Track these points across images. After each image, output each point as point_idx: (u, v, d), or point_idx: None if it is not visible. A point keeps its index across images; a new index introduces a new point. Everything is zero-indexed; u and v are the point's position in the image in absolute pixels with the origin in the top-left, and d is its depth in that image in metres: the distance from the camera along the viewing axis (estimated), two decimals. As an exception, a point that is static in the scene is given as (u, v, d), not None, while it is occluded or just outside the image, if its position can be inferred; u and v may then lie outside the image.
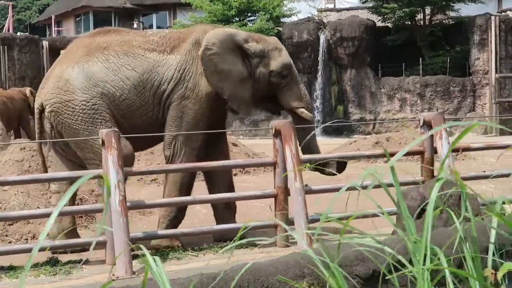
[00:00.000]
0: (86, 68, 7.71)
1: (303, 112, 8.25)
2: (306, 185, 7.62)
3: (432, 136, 7.73)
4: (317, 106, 29.60)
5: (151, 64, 7.83)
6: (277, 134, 7.26)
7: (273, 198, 7.39)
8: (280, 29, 30.80)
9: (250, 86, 8.12)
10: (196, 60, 7.96)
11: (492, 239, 2.74)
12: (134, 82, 7.74)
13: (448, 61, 29.06)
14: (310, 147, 8.18)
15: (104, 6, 39.17)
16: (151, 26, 39.27)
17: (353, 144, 16.00)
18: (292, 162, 7.05)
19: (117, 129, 6.89)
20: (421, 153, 7.84)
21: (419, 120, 7.83)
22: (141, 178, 12.75)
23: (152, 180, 12.78)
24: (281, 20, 32.21)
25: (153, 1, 39.05)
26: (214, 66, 7.86)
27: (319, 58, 29.97)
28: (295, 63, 31.25)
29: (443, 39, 30.02)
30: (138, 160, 14.86)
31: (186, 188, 7.90)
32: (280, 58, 8.25)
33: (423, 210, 6.57)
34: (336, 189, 7.63)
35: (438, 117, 7.63)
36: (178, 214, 7.91)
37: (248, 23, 31.28)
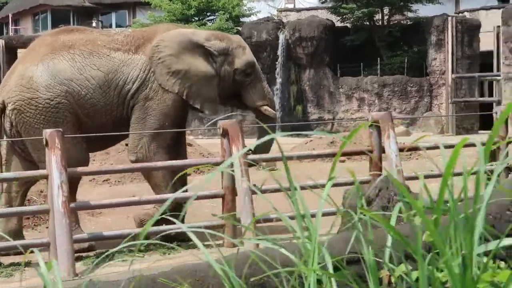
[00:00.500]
0: (51, 66, 7.62)
1: (267, 109, 8.32)
2: (254, 185, 7.60)
3: (380, 135, 7.77)
4: (276, 106, 29.53)
5: (116, 64, 7.79)
6: (225, 134, 7.23)
7: (221, 198, 7.36)
8: (240, 28, 30.78)
9: (216, 85, 8.13)
10: None
11: (389, 243, 2.74)
12: (99, 81, 7.69)
13: (406, 61, 29.33)
14: (266, 146, 8.21)
15: (62, 5, 38.70)
16: (110, 25, 38.94)
17: (309, 144, 16.05)
18: (239, 162, 7.01)
19: (61, 129, 6.78)
20: (370, 152, 7.87)
21: (368, 119, 7.86)
22: (94, 179, 12.61)
23: (104, 180, 12.66)
24: (241, 19, 32.19)
25: (112, 0, 38.70)
26: (167, 68, 7.85)
27: (278, 58, 30.02)
28: (254, 62, 30.80)
29: (401, 40, 30.28)
30: (93, 160, 14.73)
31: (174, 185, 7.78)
32: (245, 56, 8.30)
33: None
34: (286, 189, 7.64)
35: (386, 116, 7.66)
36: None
37: (208, 22, 31.19)
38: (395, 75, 29.28)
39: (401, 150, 7.71)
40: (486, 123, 27.15)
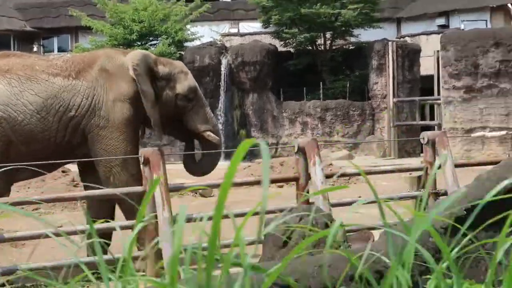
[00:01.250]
0: None
1: (210, 135, 8.24)
2: (177, 214, 7.43)
3: (306, 162, 7.67)
4: (219, 130, 29.48)
5: (55, 89, 7.58)
6: (146, 162, 7.04)
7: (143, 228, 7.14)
8: (183, 53, 30.65)
9: (157, 109, 8.03)
10: (105, 86, 7.84)
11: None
12: (37, 107, 7.47)
13: (348, 85, 29.55)
14: (205, 168, 8.21)
15: (2, 29, 37.99)
16: (52, 50, 38.40)
17: (247, 169, 15.93)
18: (160, 191, 6.83)
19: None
20: (296, 179, 7.76)
21: (294, 146, 7.75)
22: (22, 207, 12.22)
23: (34, 209, 12.29)
24: (184, 44, 32.05)
25: (54, 25, 38.19)
26: (139, 86, 7.79)
27: (221, 83, 29.93)
28: (196, 87, 30.73)
29: (343, 64, 30.53)
30: (29, 187, 14.35)
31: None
32: (186, 81, 8.25)
33: (288, 238, 6.45)
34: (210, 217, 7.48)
35: (311, 143, 7.56)
36: None
37: (150, 47, 30.98)
38: (337, 99, 29.45)
39: (327, 176, 7.62)
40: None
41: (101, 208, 8.10)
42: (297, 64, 30.35)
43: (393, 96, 28.52)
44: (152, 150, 7.02)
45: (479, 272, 4.47)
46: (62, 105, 7.61)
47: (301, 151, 7.65)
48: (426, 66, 29.28)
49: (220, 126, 29.60)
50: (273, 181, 7.78)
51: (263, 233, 5.94)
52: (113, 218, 8.12)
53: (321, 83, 29.70)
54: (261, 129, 30.12)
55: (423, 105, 29.30)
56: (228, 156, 28.56)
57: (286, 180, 7.84)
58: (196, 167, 8.65)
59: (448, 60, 25.15)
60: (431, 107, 29.58)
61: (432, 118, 29.18)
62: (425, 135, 8.23)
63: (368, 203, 6.77)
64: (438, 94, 27.46)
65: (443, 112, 26.05)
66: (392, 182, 14.23)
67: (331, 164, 16.49)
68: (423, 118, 29.27)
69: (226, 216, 2.44)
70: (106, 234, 8.07)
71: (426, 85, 29.08)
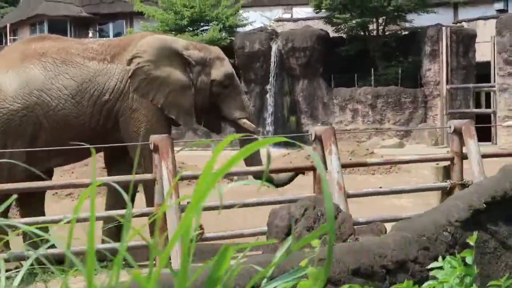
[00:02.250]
0: (21, 74, 7.34)
1: (246, 123, 8.05)
2: (189, 203, 7.30)
3: (323, 151, 7.43)
4: (269, 117, 29.37)
5: (91, 73, 7.53)
6: (156, 149, 6.92)
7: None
8: (233, 39, 30.53)
9: (191, 95, 7.88)
10: None
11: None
12: (72, 91, 7.42)
13: (400, 71, 28.95)
14: (252, 161, 7.98)
15: (59, 15, 38.59)
16: (108, 35, 38.78)
17: (286, 157, 15.71)
18: (168, 179, 6.70)
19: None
20: (313, 168, 7.53)
21: (311, 134, 7.51)
22: (56, 193, 12.33)
23: (67, 194, 12.37)
24: (235, 30, 31.90)
25: (109, 10, 38.56)
26: (146, 74, 7.63)
27: (271, 69, 29.68)
28: (247, 73, 31.19)
29: (396, 50, 29.91)
30: (72, 172, 14.44)
31: None
32: (223, 67, 8.08)
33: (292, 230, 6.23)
34: (218, 207, 7.30)
35: (328, 131, 7.32)
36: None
37: (201, 33, 30.93)
38: (389, 86, 28.90)
39: (344, 166, 7.36)
40: (482, 134, 26.73)
41: (120, 196, 8.02)
42: (348, 50, 29.87)
43: (447, 83, 27.83)
44: (161, 137, 6.89)
45: (499, 269, 4.20)
46: (96, 89, 7.54)
47: (318, 139, 7.41)
48: (483, 52, 28.44)
49: (270, 113, 29.47)
50: (288, 170, 7.55)
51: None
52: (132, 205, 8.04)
53: (372, 69, 29.17)
54: (311, 116, 29.79)
55: (478, 92, 28.52)
56: (277, 143, 28.38)
57: (303, 169, 7.59)
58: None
59: (504, 46, 24.40)
60: (487, 94, 28.77)
61: (488, 106, 28.37)
62: (452, 124, 7.89)
63: (382, 194, 6.47)
64: (495, 81, 26.71)
65: (498, 99, 25.32)
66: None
67: (372, 153, 16.12)
68: (478, 105, 28.49)
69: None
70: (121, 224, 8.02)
71: (483, 72, 28.26)
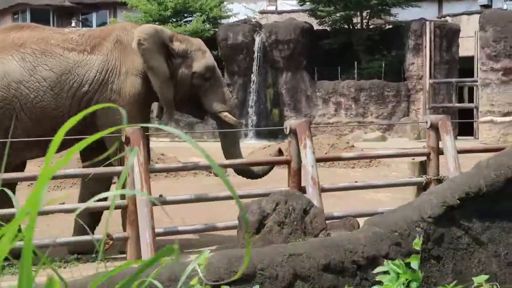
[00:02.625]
0: None
1: (227, 116, 7.95)
2: (161, 195, 7.22)
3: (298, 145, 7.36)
4: (251, 109, 29.31)
5: (70, 65, 7.38)
6: (128, 141, 6.81)
7: (121, 210, 6.96)
8: (217, 30, 30.39)
9: (172, 87, 7.77)
10: (119, 59, 7.64)
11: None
12: (51, 83, 7.28)
13: (384, 65, 28.94)
14: (230, 153, 7.89)
15: (42, 4, 38.25)
16: (91, 25, 38.50)
17: (267, 149, 15.63)
18: (139, 171, 6.60)
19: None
20: (287, 162, 7.45)
21: (285, 128, 7.42)
22: (31, 183, 12.19)
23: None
24: (219, 21, 31.77)
25: (93, 0, 38.27)
26: (146, 62, 7.53)
27: (254, 61, 29.58)
28: (230, 65, 31.07)
29: (380, 43, 29.90)
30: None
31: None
32: (204, 59, 7.97)
33: (262, 224, 6.15)
34: (191, 200, 7.24)
35: (303, 125, 7.23)
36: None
37: (185, 24, 30.76)
38: (372, 80, 28.89)
39: (319, 160, 7.29)
40: (465, 129, 26.77)
41: (96, 187, 7.91)
42: (332, 43, 29.82)
43: (430, 77, 27.86)
44: (133, 129, 6.79)
45: (472, 265, 4.14)
46: (76, 81, 7.42)
47: (293, 133, 7.33)
48: (467, 47, 28.48)
49: (252, 105, 29.39)
50: (264, 164, 7.47)
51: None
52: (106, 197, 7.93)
53: (356, 62, 29.14)
54: (294, 109, 29.73)
55: (461, 87, 28.57)
56: (259, 135, 28.42)
57: (277, 163, 7.51)
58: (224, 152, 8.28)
59: (487, 41, 24.41)
60: (470, 89, 28.82)
61: (471, 101, 28.44)
62: (428, 119, 7.84)
63: (357, 188, 6.42)
64: (478, 75, 26.76)
65: (480, 94, 25.36)
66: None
67: (352, 146, 16.07)
68: (461, 100, 28.55)
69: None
70: (97, 214, 7.92)
71: (466, 66, 28.31)
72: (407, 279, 2.19)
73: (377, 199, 10.26)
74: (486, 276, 3.34)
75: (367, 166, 14.79)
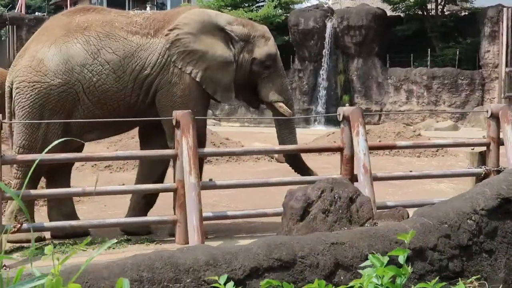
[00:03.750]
0: (64, 49, 7.33)
1: (282, 107, 7.88)
2: (211, 180, 7.21)
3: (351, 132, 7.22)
4: (322, 96, 29.12)
5: (133, 48, 7.46)
6: (178, 125, 6.82)
7: (173, 193, 6.97)
8: (288, 15, 30.23)
9: (232, 71, 7.75)
10: None
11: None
12: (114, 66, 7.38)
13: (458, 53, 28.24)
14: (285, 142, 7.87)
15: (118, -12, 38.83)
16: (165, 9, 38.84)
17: (331, 136, 15.49)
18: (188, 155, 6.60)
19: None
20: (340, 149, 7.33)
21: (339, 115, 7.29)
22: (95, 164, 12.42)
23: (106, 166, 12.45)
24: (291, 6, 31.59)
25: (167, -16, 38.62)
26: (184, 46, 7.53)
27: (325, 46, 29.33)
28: (301, 50, 30.99)
29: (454, 30, 29.20)
30: (108, 147, 14.47)
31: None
32: (266, 47, 7.91)
33: (307, 212, 6.08)
34: (240, 185, 7.21)
35: (356, 112, 7.09)
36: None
37: (256, 9, 30.70)
38: (445, 67, 28.24)
39: (371, 148, 7.14)
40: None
41: (152, 169, 7.98)
42: (405, 30, 29.29)
43: (506, 66, 27.05)
44: (183, 113, 6.79)
45: None
46: (138, 64, 7.47)
47: (346, 120, 7.20)
48: (546, 34, 27.52)
49: (322, 91, 29.17)
50: (316, 151, 7.36)
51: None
52: (163, 179, 7.99)
53: (429, 50, 28.53)
54: (365, 96, 29.39)
55: (539, 76, 27.66)
56: (328, 122, 28.20)
57: (329, 150, 7.39)
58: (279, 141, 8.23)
59: None
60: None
61: (550, 90, 27.53)
62: (489, 108, 7.58)
63: (411, 178, 6.27)
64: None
65: (559, 84, 24.53)
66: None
67: (419, 135, 15.76)
68: (539, 89, 27.64)
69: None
70: (152, 196, 7.98)
71: (545, 55, 27.38)
72: (391, 274, 2.09)
73: (438, 190, 10.02)
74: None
75: (433, 156, 14.47)
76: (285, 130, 8.06)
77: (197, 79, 7.55)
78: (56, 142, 2.36)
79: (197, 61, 7.59)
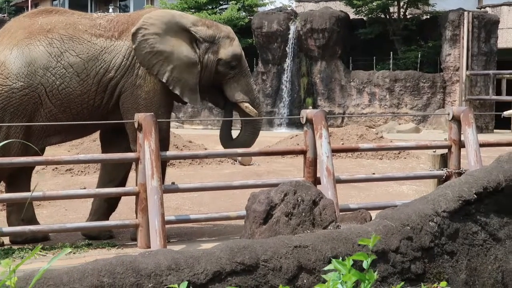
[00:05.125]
0: (26, 52, 7.18)
1: (247, 107, 7.84)
2: (173, 183, 7.16)
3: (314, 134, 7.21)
4: (285, 98, 29.19)
5: (97, 51, 7.34)
6: (140, 128, 6.75)
7: (135, 196, 6.90)
8: (252, 18, 30.26)
9: (197, 72, 7.69)
10: None
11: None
12: (77, 69, 7.26)
13: (420, 56, 28.53)
14: (243, 143, 7.84)
15: (80, -10, 38.55)
16: (128, 11, 38.64)
17: (294, 139, 15.50)
18: (150, 158, 6.54)
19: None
20: (303, 152, 7.32)
21: (302, 117, 7.29)
22: (56, 168, 12.26)
23: (67, 170, 12.30)
24: (254, 9, 31.62)
25: (131, -14, 38.44)
26: (150, 47, 7.43)
27: (288, 49, 29.41)
28: (264, 53, 31.02)
29: (417, 34, 29.51)
30: (68, 150, 14.36)
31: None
32: (231, 47, 7.86)
33: (270, 215, 6.05)
34: (202, 188, 7.17)
35: (319, 115, 7.09)
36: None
37: (220, 11, 30.68)
38: (407, 70, 28.52)
39: (334, 151, 7.14)
40: (503, 122, 26.30)
41: (114, 172, 7.90)
42: (368, 33, 29.51)
43: (467, 69, 27.39)
44: (145, 116, 6.72)
45: (487, 261, 4.00)
46: (102, 67, 7.37)
47: (309, 122, 7.19)
48: (507, 39, 27.96)
49: (286, 94, 29.24)
50: (279, 153, 7.34)
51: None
52: (125, 182, 7.91)
53: (392, 53, 28.78)
54: (328, 98, 29.53)
55: (499, 79, 28.03)
56: (291, 125, 28.29)
57: (292, 153, 7.38)
58: (231, 143, 8.15)
59: (526, 33, 23.91)
60: (509, 82, 28.27)
61: (509, 93, 27.89)
62: (450, 111, 7.64)
63: (374, 180, 6.26)
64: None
65: (519, 87, 24.90)
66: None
67: (381, 137, 15.86)
68: (498, 93, 28.03)
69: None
70: (113, 200, 7.89)
71: (506, 58, 27.77)
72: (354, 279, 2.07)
73: (400, 192, 10.09)
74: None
75: (395, 158, 14.57)
76: (250, 130, 8.06)
77: (164, 80, 7.49)
78: (4, 142, 2.30)
79: (163, 61, 7.53)
